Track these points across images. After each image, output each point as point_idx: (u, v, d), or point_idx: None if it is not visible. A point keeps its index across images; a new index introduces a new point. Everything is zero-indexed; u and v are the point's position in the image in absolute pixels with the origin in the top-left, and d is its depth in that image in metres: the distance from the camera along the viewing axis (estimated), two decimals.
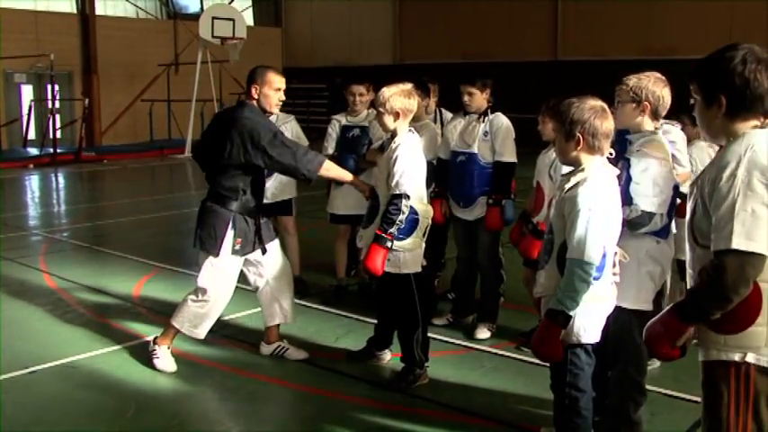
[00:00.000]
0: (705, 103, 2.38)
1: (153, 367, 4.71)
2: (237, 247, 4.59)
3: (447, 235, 6.03)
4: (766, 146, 2.26)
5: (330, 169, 4.64)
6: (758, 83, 2.27)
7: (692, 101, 2.46)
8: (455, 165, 5.37)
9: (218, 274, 4.62)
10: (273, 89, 4.61)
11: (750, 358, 2.30)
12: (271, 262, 4.84)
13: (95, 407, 4.28)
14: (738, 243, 2.19)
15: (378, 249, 4.28)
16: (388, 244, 4.28)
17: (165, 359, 4.73)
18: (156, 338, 4.82)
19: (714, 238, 2.26)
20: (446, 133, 5.53)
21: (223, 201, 4.57)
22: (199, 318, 4.70)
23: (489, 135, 5.24)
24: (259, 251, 4.74)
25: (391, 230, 4.26)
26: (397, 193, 4.28)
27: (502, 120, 5.29)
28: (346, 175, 4.74)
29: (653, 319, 2.48)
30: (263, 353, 4.99)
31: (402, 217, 4.27)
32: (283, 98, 4.69)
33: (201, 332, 4.77)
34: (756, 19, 16.07)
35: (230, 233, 4.55)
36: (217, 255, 4.55)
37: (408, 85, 4.46)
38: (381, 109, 4.38)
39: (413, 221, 4.35)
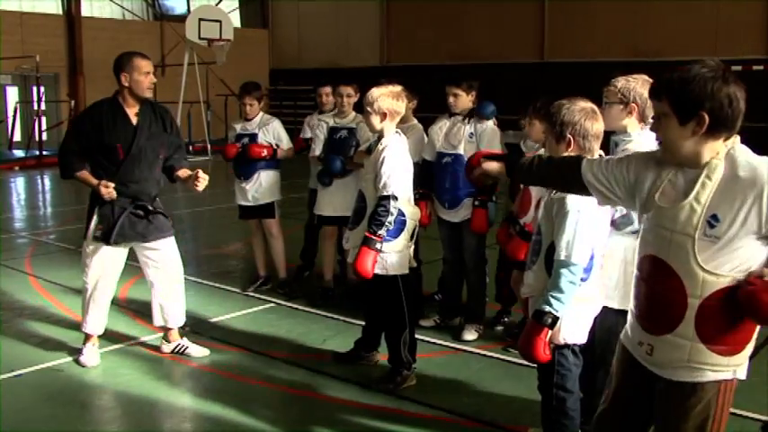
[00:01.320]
0: (680, 120, 2.31)
1: (138, 369, 4.71)
2: (98, 233, 4.70)
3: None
4: None
5: (79, 177, 4.69)
6: (737, 101, 2.26)
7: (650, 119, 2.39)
8: (440, 166, 5.37)
9: (87, 259, 4.78)
10: (143, 74, 4.62)
11: (739, 374, 2.36)
12: (159, 263, 4.87)
13: (82, 409, 4.26)
14: None
15: (367, 252, 4.27)
16: (378, 246, 4.28)
17: (88, 354, 4.85)
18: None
19: None
20: (431, 135, 5.53)
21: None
22: (84, 305, 4.84)
23: (475, 136, 5.25)
24: (154, 246, 4.78)
25: (380, 232, 4.25)
26: (385, 194, 4.27)
27: (488, 121, 5.30)
28: (92, 182, 4.68)
29: None
30: (164, 351, 5.03)
31: (391, 218, 4.26)
32: (154, 80, 4.70)
33: (87, 323, 4.85)
34: (741, 21, 16.15)
35: (94, 218, 4.72)
36: (84, 237, 4.75)
37: (398, 87, 4.46)
38: (369, 108, 4.37)
39: (401, 223, 4.35)
